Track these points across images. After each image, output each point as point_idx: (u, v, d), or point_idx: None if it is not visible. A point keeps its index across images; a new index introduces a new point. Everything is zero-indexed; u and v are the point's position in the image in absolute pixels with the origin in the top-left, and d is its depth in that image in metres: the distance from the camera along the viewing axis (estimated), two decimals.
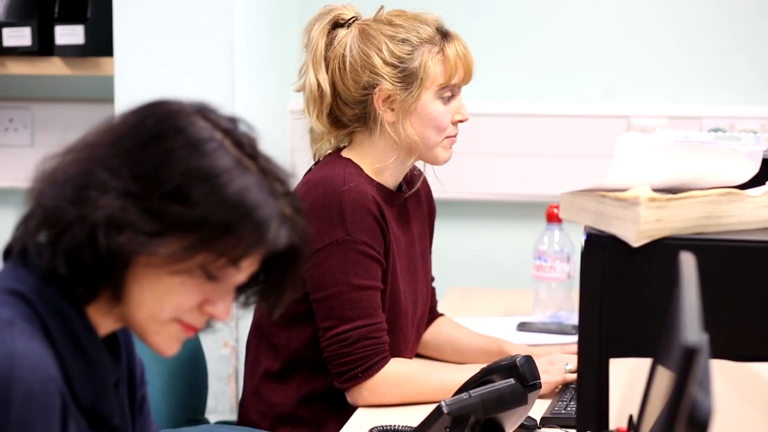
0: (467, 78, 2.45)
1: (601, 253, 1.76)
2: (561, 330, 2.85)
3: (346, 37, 2.42)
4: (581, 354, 1.79)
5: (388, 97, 2.40)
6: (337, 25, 2.44)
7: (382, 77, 2.39)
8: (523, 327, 2.88)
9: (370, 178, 2.42)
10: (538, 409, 2.21)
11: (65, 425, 1.46)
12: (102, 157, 1.46)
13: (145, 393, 1.67)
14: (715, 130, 3.29)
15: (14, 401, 1.40)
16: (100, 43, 3.34)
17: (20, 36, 3.38)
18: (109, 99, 3.26)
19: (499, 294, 3.25)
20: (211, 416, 2.90)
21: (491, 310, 3.08)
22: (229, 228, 1.45)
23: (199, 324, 1.52)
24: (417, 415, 2.05)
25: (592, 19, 3.49)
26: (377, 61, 2.39)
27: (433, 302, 2.71)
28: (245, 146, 1.49)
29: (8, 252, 1.52)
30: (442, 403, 1.91)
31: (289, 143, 3.51)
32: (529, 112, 3.50)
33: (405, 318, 2.47)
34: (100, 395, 1.52)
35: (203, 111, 1.51)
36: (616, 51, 3.48)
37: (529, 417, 2.15)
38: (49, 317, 1.48)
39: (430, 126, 2.42)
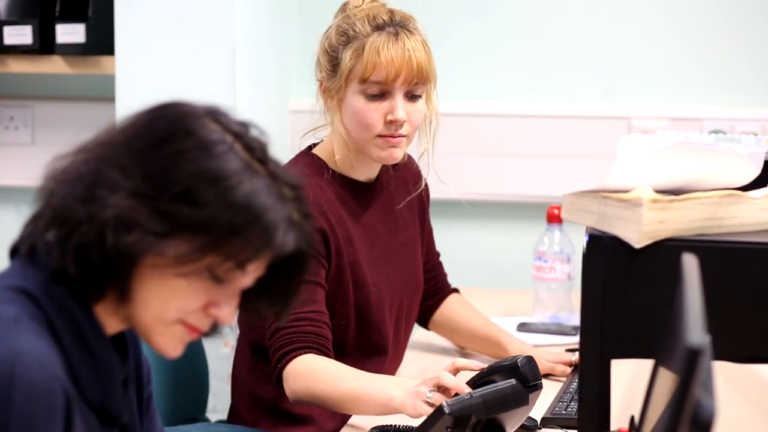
0: (396, 79, 2.33)
1: (603, 254, 1.77)
2: (561, 331, 2.85)
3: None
4: (583, 355, 1.79)
5: (324, 85, 2.41)
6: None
7: (321, 65, 2.41)
8: (523, 327, 2.88)
9: (334, 171, 2.40)
10: (539, 409, 2.21)
11: (70, 424, 1.46)
12: (112, 157, 1.47)
13: (152, 391, 1.68)
14: (716, 132, 3.29)
15: (16, 399, 1.40)
16: (101, 42, 3.34)
17: (21, 34, 3.38)
18: (110, 98, 3.25)
19: (500, 294, 3.24)
20: (211, 415, 2.89)
21: (491, 310, 3.08)
22: (237, 231, 1.45)
23: (203, 326, 1.52)
24: None
25: (593, 20, 3.49)
26: (321, 48, 2.41)
27: (442, 277, 2.69)
28: (255, 150, 1.50)
29: (15, 250, 1.53)
30: (444, 403, 1.91)
31: (289, 142, 3.50)
32: (530, 113, 3.49)
33: (378, 311, 2.42)
34: (108, 393, 1.53)
35: (214, 114, 1.51)
36: (616, 52, 3.48)
37: (530, 417, 2.15)
38: (56, 316, 1.48)
39: (354, 120, 2.36)
